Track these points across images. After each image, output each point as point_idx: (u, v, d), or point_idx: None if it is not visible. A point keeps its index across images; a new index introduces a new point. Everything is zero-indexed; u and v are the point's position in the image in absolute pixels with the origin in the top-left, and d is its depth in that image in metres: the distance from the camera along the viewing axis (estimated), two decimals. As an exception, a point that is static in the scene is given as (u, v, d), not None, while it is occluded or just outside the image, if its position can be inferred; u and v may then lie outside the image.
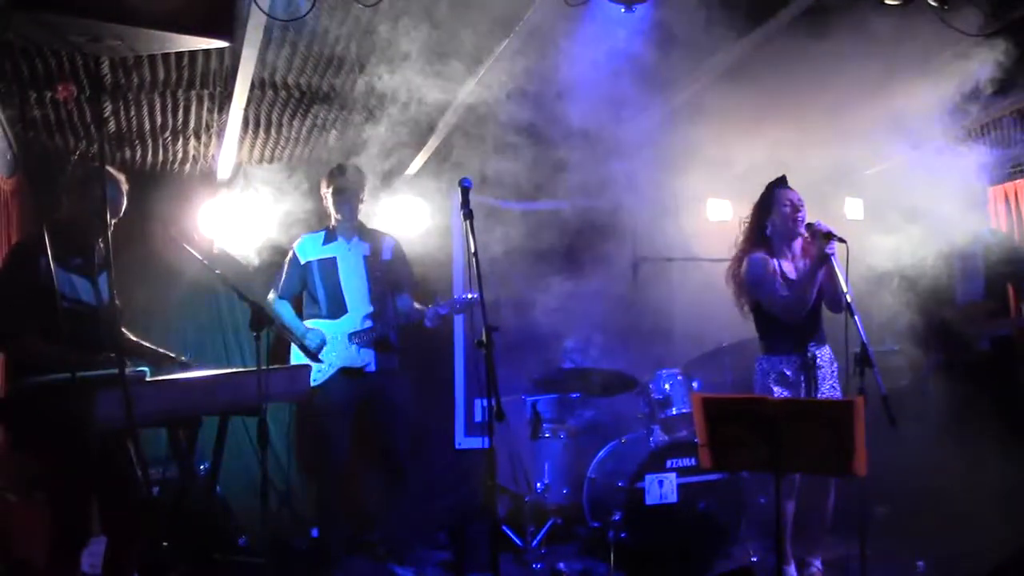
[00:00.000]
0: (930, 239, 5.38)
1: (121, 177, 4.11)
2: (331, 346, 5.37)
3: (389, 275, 5.51)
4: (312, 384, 5.28)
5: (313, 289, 5.47)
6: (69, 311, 3.77)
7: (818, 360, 4.76)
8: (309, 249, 5.50)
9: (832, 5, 4.35)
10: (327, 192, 5.48)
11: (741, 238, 5.01)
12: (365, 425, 5.48)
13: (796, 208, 4.82)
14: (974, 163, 5.44)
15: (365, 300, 5.44)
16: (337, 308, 5.42)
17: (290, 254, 5.54)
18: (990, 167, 5.88)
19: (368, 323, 5.40)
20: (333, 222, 5.51)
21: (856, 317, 4.24)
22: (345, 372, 5.37)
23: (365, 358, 5.39)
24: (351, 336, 5.39)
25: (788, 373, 4.76)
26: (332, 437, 5.37)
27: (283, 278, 5.53)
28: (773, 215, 4.87)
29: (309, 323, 5.45)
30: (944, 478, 5.34)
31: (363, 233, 5.57)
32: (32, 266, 3.72)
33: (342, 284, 5.43)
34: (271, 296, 5.54)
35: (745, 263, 4.88)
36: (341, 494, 5.46)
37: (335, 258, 5.46)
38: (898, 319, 5.75)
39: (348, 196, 5.43)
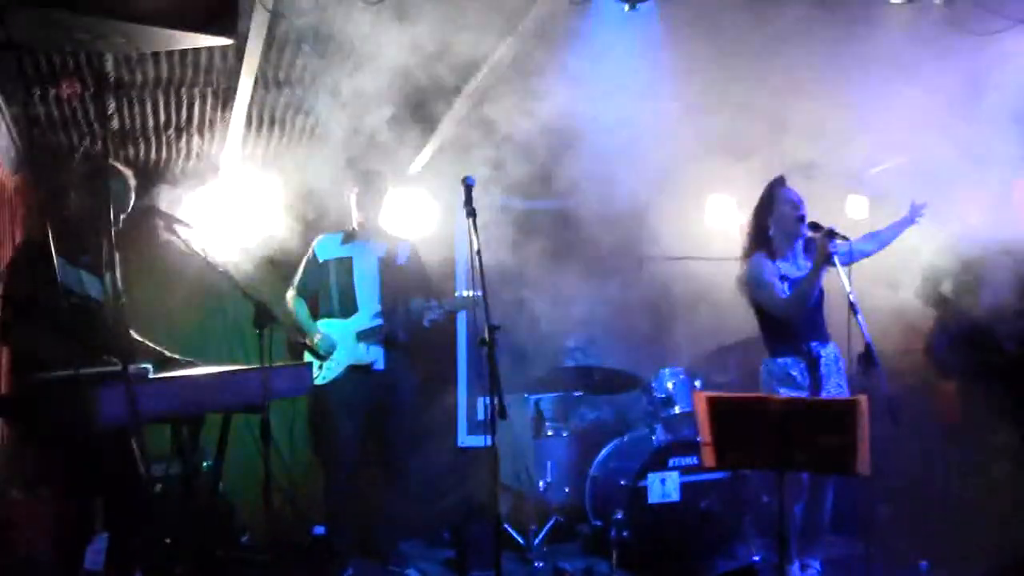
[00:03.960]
0: (950, 237, 5.35)
1: (128, 172, 4.11)
2: (340, 345, 5.40)
3: (402, 279, 5.54)
4: (322, 382, 5.34)
5: (328, 287, 5.52)
6: (77, 307, 3.78)
7: (823, 359, 4.74)
8: (328, 248, 5.56)
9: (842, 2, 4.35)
10: (350, 195, 5.55)
11: (744, 240, 5.00)
12: (372, 422, 5.49)
13: (796, 207, 4.82)
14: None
15: (376, 300, 5.47)
16: (348, 307, 5.46)
17: (309, 252, 5.60)
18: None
19: (377, 321, 5.42)
20: (354, 224, 5.55)
21: (859, 316, 4.23)
22: (353, 369, 5.39)
23: (373, 355, 5.42)
24: (359, 335, 5.41)
25: (795, 375, 4.75)
26: (341, 434, 5.39)
27: (300, 275, 5.59)
28: (774, 215, 4.87)
29: (321, 323, 5.47)
30: (949, 478, 5.35)
31: (380, 236, 5.61)
32: (40, 262, 3.72)
33: (355, 283, 5.49)
34: (290, 293, 5.58)
35: (746, 265, 4.89)
36: (349, 491, 5.48)
37: (351, 258, 5.52)
38: (915, 318, 5.72)
39: (370, 201, 5.52)
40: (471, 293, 5.43)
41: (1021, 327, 5.39)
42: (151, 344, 4.27)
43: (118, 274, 3.99)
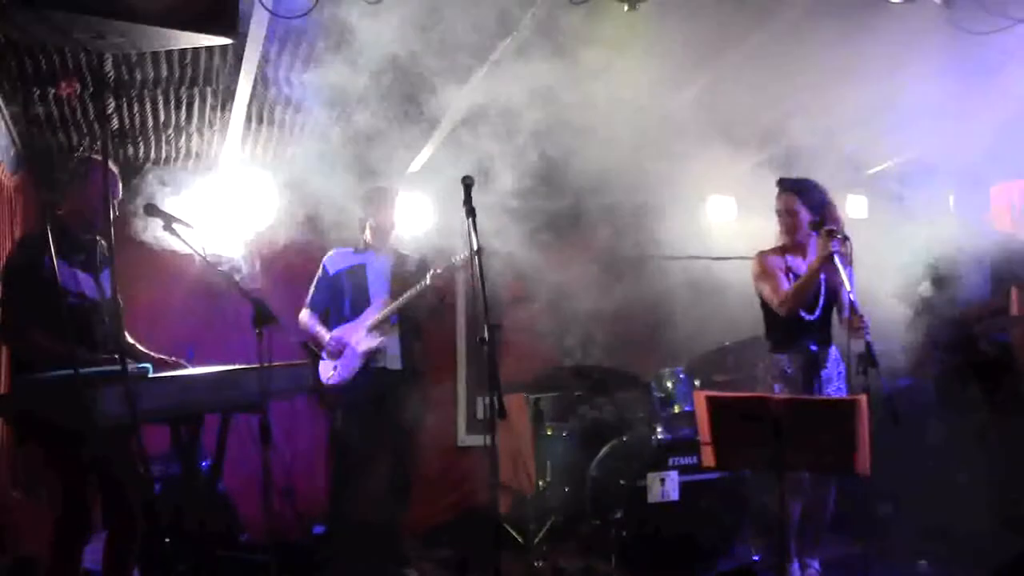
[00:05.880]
0: (935, 239, 5.38)
1: (115, 169, 4.10)
2: (353, 344, 5.39)
3: (412, 282, 5.51)
4: (337, 382, 5.35)
5: (340, 294, 5.52)
6: (73, 306, 3.78)
7: (820, 360, 4.74)
8: (338, 261, 5.58)
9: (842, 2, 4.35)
10: (364, 213, 5.54)
11: None
12: (380, 421, 5.48)
13: (779, 213, 4.86)
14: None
15: (387, 295, 5.46)
16: (362, 308, 5.46)
17: (320, 268, 5.61)
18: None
19: (391, 321, 5.42)
20: (368, 237, 5.55)
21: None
22: (366, 370, 5.38)
23: (390, 360, 5.41)
24: (371, 326, 5.39)
25: (788, 371, 4.75)
26: (349, 433, 5.39)
27: (313, 292, 5.61)
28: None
29: (336, 331, 5.47)
30: (946, 477, 5.35)
31: (392, 248, 5.62)
32: (36, 261, 3.72)
33: (369, 286, 5.49)
34: (303, 312, 5.60)
35: (754, 259, 4.92)
36: (350, 491, 5.47)
37: (364, 264, 5.54)
38: (900, 318, 5.75)
39: (383, 219, 5.52)
40: (459, 257, 5.29)
41: (997, 325, 5.43)
42: (141, 348, 4.26)
43: (114, 273, 3.99)
